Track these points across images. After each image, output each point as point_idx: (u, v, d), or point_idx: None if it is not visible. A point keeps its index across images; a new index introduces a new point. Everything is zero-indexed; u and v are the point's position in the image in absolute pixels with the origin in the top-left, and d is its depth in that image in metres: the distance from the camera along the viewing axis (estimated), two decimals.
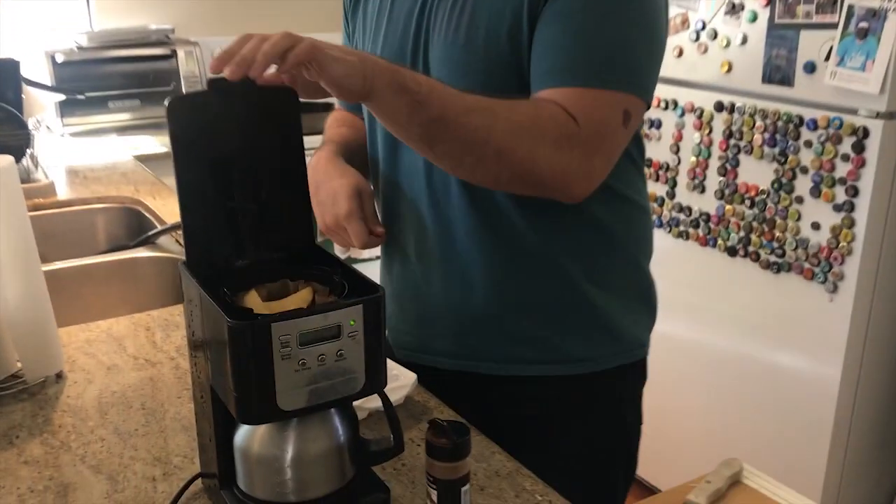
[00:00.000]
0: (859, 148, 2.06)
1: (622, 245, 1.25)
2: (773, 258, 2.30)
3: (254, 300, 0.98)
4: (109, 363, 1.44)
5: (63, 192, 2.33)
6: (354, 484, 1.01)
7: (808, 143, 2.18)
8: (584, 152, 1.07)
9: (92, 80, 3.14)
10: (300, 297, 1.00)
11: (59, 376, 1.39)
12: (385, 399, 1.01)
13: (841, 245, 2.13)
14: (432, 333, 1.31)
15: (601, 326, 1.25)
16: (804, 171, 2.19)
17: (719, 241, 2.43)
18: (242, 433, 0.98)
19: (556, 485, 1.11)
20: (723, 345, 2.38)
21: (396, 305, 1.36)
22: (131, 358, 1.47)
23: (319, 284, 1.01)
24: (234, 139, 0.98)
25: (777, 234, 2.27)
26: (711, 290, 2.46)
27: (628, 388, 1.31)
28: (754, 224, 2.33)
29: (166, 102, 0.94)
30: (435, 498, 1.01)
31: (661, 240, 2.53)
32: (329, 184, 1.26)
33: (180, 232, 2.03)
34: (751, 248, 2.35)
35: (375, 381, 0.96)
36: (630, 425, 1.32)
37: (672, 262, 2.52)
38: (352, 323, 0.92)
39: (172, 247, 2.00)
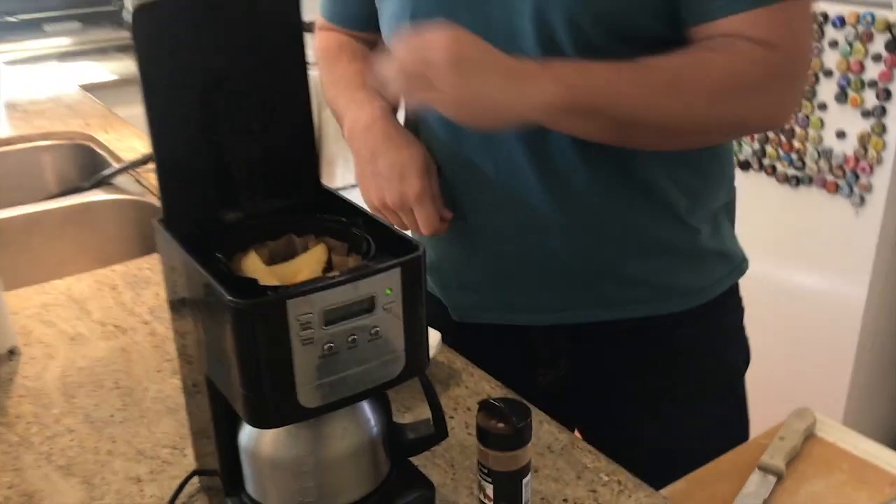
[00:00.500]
0: (893, 46, 1.87)
1: (723, 158, 1.10)
2: (791, 171, 2.12)
3: (254, 265, 0.77)
4: (72, 332, 1.23)
5: (1, 130, 2.05)
6: (390, 480, 0.83)
7: (834, 43, 1.98)
8: (787, 81, 0.92)
9: (22, 1, 2.81)
10: (313, 258, 0.79)
11: (12, 353, 1.17)
12: (425, 381, 0.81)
13: (869, 154, 1.96)
14: (524, 289, 1.10)
15: (711, 250, 1.10)
16: (828, 74, 2.00)
17: None
18: (250, 432, 0.78)
19: (670, 432, 1.07)
20: None
21: (462, 261, 1.14)
22: (98, 325, 1.25)
23: (334, 240, 0.80)
24: (220, 58, 0.75)
25: (796, 144, 2.09)
26: None
27: (737, 312, 1.18)
28: (770, 135, 2.14)
29: (131, 10, 0.70)
30: (490, 493, 0.83)
31: None
32: (393, 154, 1.02)
33: (141, 170, 1.79)
34: (766, 161, 2.17)
35: (417, 361, 0.76)
36: (742, 353, 1.20)
37: None
38: (388, 292, 0.71)
39: (132, 187, 1.76)
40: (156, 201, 1.68)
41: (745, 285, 1.18)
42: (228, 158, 0.80)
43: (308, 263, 0.78)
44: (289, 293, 0.67)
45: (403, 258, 0.72)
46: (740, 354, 1.20)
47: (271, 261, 0.79)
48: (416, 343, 0.75)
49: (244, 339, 0.67)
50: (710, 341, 1.14)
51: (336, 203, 0.84)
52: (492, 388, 1.07)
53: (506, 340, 1.15)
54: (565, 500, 0.89)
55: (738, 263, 1.16)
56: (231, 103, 0.77)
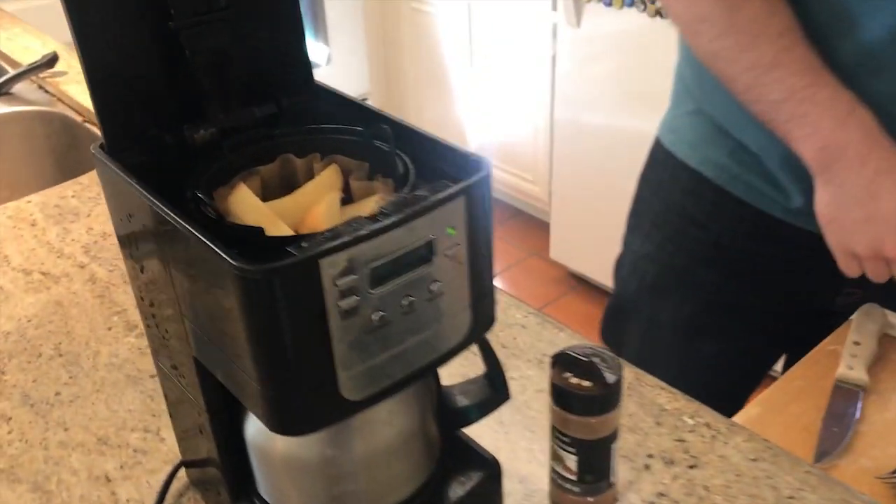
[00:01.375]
0: None
1: None
2: None
3: (245, 202, 0.55)
4: None
5: None
6: (443, 464, 0.64)
7: None
8: None
9: None
10: (324, 186, 0.57)
11: None
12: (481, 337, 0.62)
13: None
14: None
15: None
16: None
17: None
18: (260, 426, 0.58)
19: None
20: None
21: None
22: (20, 273, 1.01)
23: (349, 158, 0.59)
24: None
25: None
26: None
27: None
28: None
29: None
30: (573, 464, 0.65)
31: None
32: None
33: (46, 75, 1.49)
34: None
35: (485, 318, 0.56)
36: None
37: None
38: (450, 232, 0.51)
39: (35, 96, 1.47)
40: (69, 111, 1.40)
41: None
42: (188, 53, 0.57)
43: (318, 194, 0.57)
44: (319, 248, 0.45)
45: (469, 181, 0.51)
46: None
47: (265, 194, 0.57)
48: (483, 294, 0.55)
49: (259, 319, 0.46)
50: None
51: (341, 106, 0.62)
52: (534, 323, 0.89)
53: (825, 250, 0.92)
54: (650, 456, 0.73)
55: None
56: None
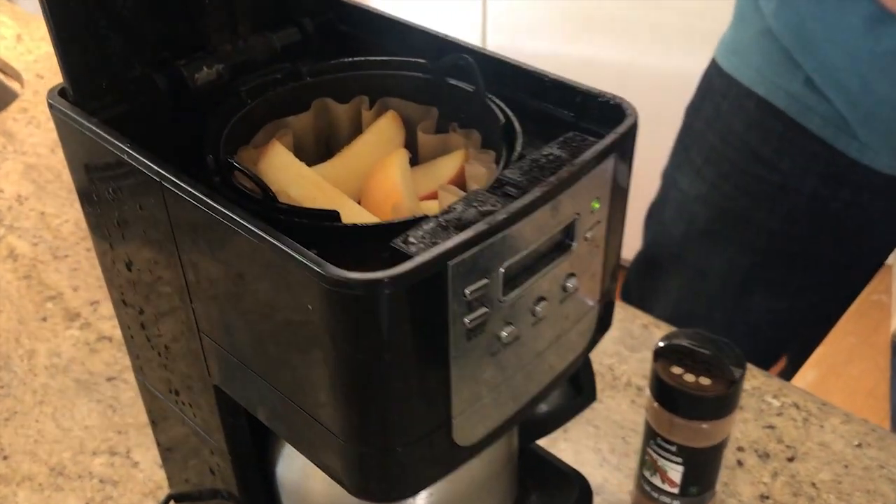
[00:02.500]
0: None
1: None
2: None
3: (290, 168, 0.39)
4: None
5: None
6: (524, 484, 0.51)
7: None
8: None
9: None
10: (380, 139, 0.42)
11: None
12: None
13: None
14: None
15: None
16: None
17: None
18: (299, 458, 0.43)
19: None
20: None
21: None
22: None
23: (410, 101, 0.43)
24: None
25: None
26: None
27: None
28: None
29: None
30: (677, 476, 0.53)
31: None
32: None
33: None
34: None
35: (609, 311, 0.42)
36: None
37: None
38: (595, 206, 0.36)
39: None
40: None
41: None
42: None
43: (375, 153, 0.41)
44: (446, 244, 0.30)
45: (618, 132, 0.36)
46: None
47: (298, 155, 0.41)
48: (611, 286, 0.41)
49: (357, 349, 0.31)
50: None
51: (386, 30, 0.46)
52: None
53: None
54: (741, 450, 0.61)
55: None
56: None
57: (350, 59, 0.43)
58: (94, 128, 0.37)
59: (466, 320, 0.32)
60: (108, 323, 0.73)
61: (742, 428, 0.63)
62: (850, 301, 0.83)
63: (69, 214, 0.86)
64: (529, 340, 0.36)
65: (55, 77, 1.09)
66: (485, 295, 0.32)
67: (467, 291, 0.31)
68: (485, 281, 0.32)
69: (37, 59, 1.14)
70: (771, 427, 0.63)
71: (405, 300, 0.30)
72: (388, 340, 0.31)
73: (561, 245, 0.35)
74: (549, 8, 2.10)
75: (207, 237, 0.34)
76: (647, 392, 0.52)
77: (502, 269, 0.32)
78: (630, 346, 0.69)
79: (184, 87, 0.41)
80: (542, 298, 0.35)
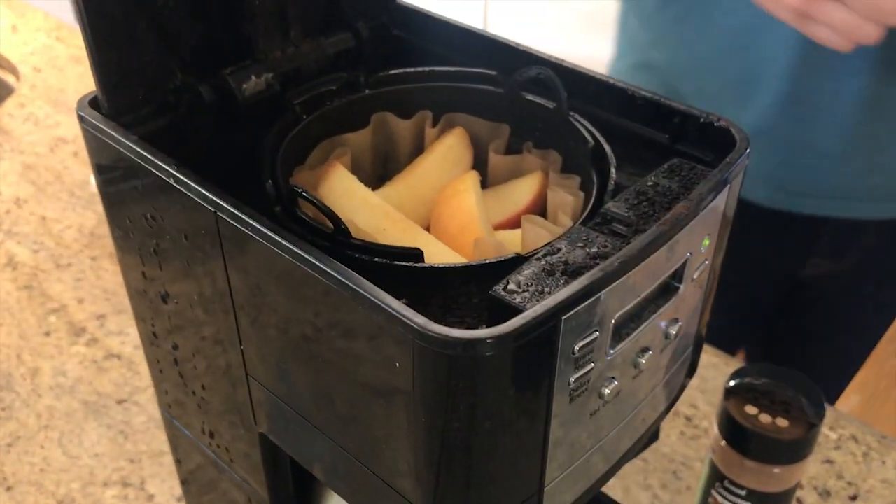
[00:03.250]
0: None
1: None
2: None
3: (353, 194, 0.35)
4: None
5: None
6: None
7: None
8: None
9: None
10: (448, 158, 0.38)
11: None
12: None
13: None
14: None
15: None
16: None
17: None
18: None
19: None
20: None
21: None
22: None
23: (477, 118, 0.39)
24: None
25: None
26: None
27: None
28: None
29: None
30: None
31: None
32: None
33: None
34: None
35: (699, 351, 0.38)
36: None
37: None
38: (705, 244, 0.32)
39: None
40: None
41: None
42: None
43: (442, 174, 0.37)
44: (559, 296, 0.26)
45: (732, 158, 0.32)
46: None
47: (358, 175, 0.37)
48: (703, 329, 0.37)
49: (448, 416, 0.27)
50: None
51: (450, 37, 0.41)
52: None
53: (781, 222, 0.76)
54: (800, 488, 0.58)
55: None
56: None
57: (413, 70, 0.39)
58: (133, 145, 0.33)
59: (572, 379, 0.28)
60: (116, 339, 0.68)
61: (809, 461, 0.59)
62: (764, 323, 0.79)
63: (71, 219, 0.81)
64: (628, 395, 0.32)
65: (53, 70, 1.04)
66: (593, 350, 0.28)
67: (577, 348, 0.27)
68: (595, 335, 0.28)
69: (33, 51, 1.09)
70: (830, 461, 0.59)
71: (509, 360, 0.26)
72: (485, 405, 0.26)
73: (668, 288, 0.31)
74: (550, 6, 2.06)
75: (269, 276, 0.30)
76: (697, 423, 0.48)
77: (613, 321, 0.28)
78: None
79: (230, 99, 0.36)
80: (646, 349, 0.31)
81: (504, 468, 0.29)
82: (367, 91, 0.38)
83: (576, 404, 0.29)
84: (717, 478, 0.49)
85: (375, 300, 0.26)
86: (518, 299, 0.26)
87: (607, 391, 0.30)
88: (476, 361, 0.25)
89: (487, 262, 0.29)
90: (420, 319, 0.25)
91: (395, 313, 0.25)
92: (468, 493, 0.29)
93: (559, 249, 0.28)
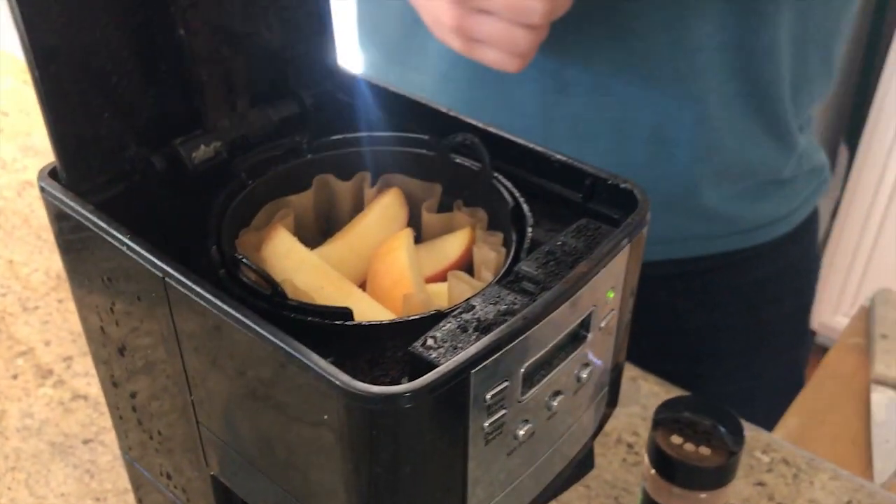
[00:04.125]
0: None
1: None
2: None
3: (293, 255, 0.38)
4: None
5: None
6: None
7: None
8: None
9: None
10: (385, 217, 0.41)
11: None
12: None
13: None
14: None
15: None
16: None
17: None
18: None
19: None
20: None
21: None
22: None
23: (411, 178, 0.42)
24: None
25: None
26: None
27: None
28: None
29: None
30: None
31: None
32: None
33: None
34: None
35: (616, 391, 0.42)
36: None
37: None
38: (609, 296, 0.36)
39: None
40: None
41: None
42: (182, 34, 0.38)
43: (379, 233, 0.40)
44: (468, 351, 0.29)
45: (633, 219, 0.36)
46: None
47: (301, 234, 0.40)
48: (619, 365, 0.41)
49: (373, 462, 0.30)
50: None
51: (388, 104, 0.45)
52: None
53: None
54: None
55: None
56: None
57: (352, 135, 0.42)
58: (89, 215, 0.36)
59: (485, 425, 0.31)
60: (82, 380, 0.70)
61: (733, 485, 0.62)
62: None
63: (38, 263, 0.83)
64: (544, 434, 0.35)
65: (20, 115, 1.06)
66: (505, 398, 0.31)
67: (488, 396, 0.31)
68: (505, 384, 0.31)
69: (1, 94, 1.11)
70: (762, 484, 0.63)
71: (425, 410, 0.29)
72: (406, 452, 0.30)
73: (577, 336, 0.35)
74: None
75: (213, 335, 0.33)
76: (638, 450, 0.52)
77: (522, 371, 0.32)
78: (621, 402, 0.68)
79: (181, 167, 0.39)
80: (558, 392, 0.35)
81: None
82: (309, 156, 0.42)
83: (491, 446, 0.32)
84: (648, 503, 0.53)
85: (304, 360, 0.29)
86: (434, 355, 0.30)
87: (521, 433, 0.33)
88: (395, 413, 0.28)
89: (411, 318, 0.32)
90: (344, 377, 0.28)
91: (321, 372, 0.28)
92: None
93: (474, 307, 0.32)
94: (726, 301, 0.79)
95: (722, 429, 0.50)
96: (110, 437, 0.66)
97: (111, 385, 0.43)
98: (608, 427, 0.66)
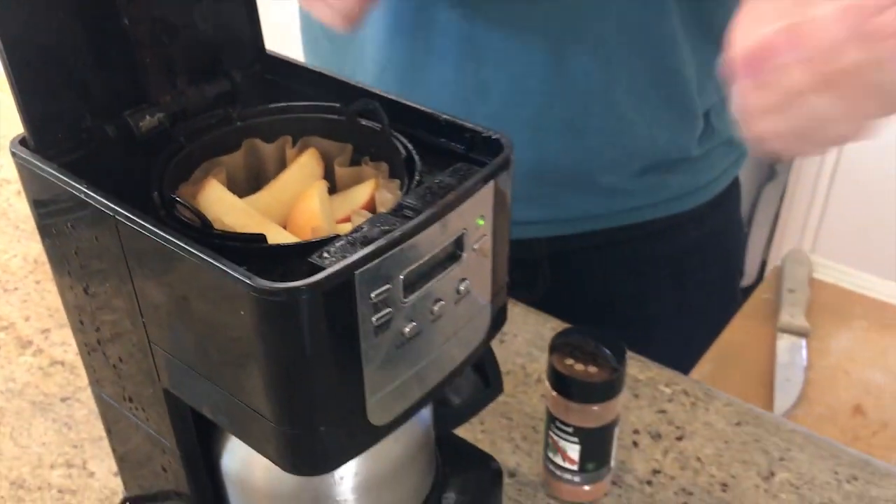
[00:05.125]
0: None
1: None
2: None
3: (224, 200, 0.46)
4: None
5: None
6: (441, 470, 0.58)
7: None
8: None
9: None
10: (303, 173, 0.49)
11: None
12: None
13: None
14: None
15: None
16: None
17: None
18: (245, 457, 0.50)
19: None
20: None
21: None
22: None
23: (327, 139, 0.51)
24: None
25: None
26: None
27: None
28: None
29: None
30: (575, 454, 0.61)
31: None
32: None
33: None
34: None
35: (502, 311, 0.50)
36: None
37: None
38: (479, 223, 0.44)
39: None
40: None
41: None
42: (126, 23, 0.46)
43: (299, 185, 0.49)
44: (353, 257, 0.38)
45: (496, 162, 0.44)
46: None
47: (231, 189, 0.48)
48: (501, 287, 0.49)
49: (282, 348, 0.38)
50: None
51: (307, 80, 0.53)
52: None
53: None
54: (636, 433, 0.69)
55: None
56: None
57: (275, 105, 0.51)
58: (53, 171, 0.44)
59: (373, 319, 0.39)
60: (59, 349, 0.78)
61: (637, 413, 0.71)
62: None
63: (17, 250, 0.91)
64: (430, 335, 0.43)
65: None
66: (388, 298, 0.40)
67: (373, 295, 0.39)
68: (388, 286, 0.39)
69: None
70: (663, 412, 0.71)
71: (321, 304, 0.37)
72: (309, 339, 0.38)
73: (453, 255, 0.43)
74: None
75: (156, 262, 0.41)
76: (548, 383, 0.60)
77: (402, 276, 0.40)
78: (541, 346, 0.77)
79: (130, 134, 0.47)
80: (438, 300, 0.43)
81: (331, 386, 0.40)
82: (239, 123, 0.50)
83: (381, 338, 0.40)
84: (551, 420, 0.61)
85: (224, 268, 0.37)
86: (326, 262, 0.38)
87: (407, 329, 0.41)
88: (295, 305, 0.37)
89: (314, 241, 0.41)
90: (254, 279, 0.36)
91: (236, 276, 0.37)
92: (306, 407, 0.40)
93: (362, 229, 0.40)
94: (654, 269, 0.88)
95: (607, 350, 0.59)
96: (85, 395, 0.73)
97: (80, 325, 0.51)
98: (530, 369, 0.75)
